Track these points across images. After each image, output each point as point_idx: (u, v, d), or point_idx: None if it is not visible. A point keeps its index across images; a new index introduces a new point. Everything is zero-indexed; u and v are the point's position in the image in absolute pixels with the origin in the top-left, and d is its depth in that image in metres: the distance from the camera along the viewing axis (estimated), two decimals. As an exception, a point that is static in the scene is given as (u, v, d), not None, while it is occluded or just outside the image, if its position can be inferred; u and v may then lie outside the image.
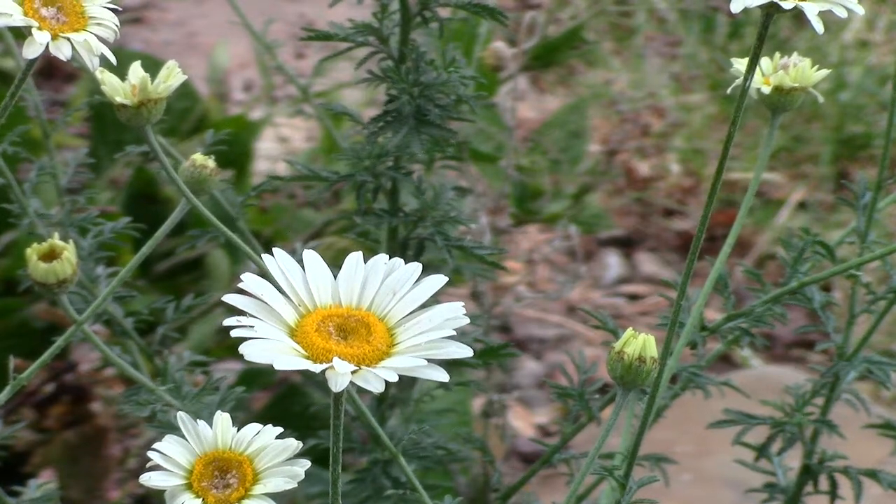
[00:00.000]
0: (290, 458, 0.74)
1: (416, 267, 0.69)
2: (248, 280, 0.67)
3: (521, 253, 2.09)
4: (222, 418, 0.75)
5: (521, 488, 1.29)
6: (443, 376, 0.63)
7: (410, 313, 0.68)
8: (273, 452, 0.74)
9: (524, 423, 1.84)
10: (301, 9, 2.66)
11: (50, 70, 2.39)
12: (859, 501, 1.15)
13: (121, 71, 0.87)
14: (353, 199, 1.21)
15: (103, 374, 1.71)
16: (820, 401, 1.19)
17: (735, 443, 1.18)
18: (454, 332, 0.65)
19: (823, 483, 1.21)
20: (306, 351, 0.66)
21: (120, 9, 0.81)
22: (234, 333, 0.65)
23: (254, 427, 0.75)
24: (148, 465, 0.74)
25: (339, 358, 0.65)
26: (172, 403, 1.07)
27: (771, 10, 0.76)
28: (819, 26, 0.74)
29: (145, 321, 1.24)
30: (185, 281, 1.75)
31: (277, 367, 0.63)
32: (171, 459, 0.74)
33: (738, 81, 0.90)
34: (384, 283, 0.69)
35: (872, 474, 1.17)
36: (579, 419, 1.17)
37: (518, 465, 1.71)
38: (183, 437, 0.76)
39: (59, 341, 0.92)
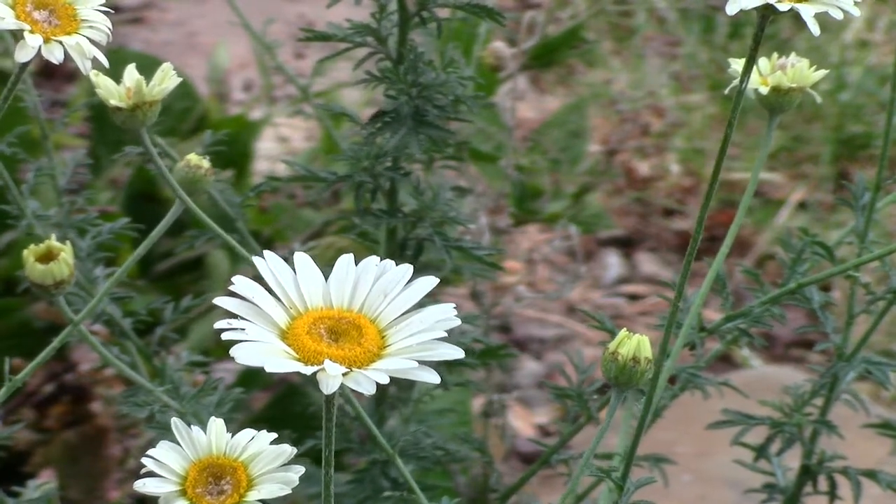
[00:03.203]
0: (284, 464, 0.74)
1: (407, 268, 0.69)
2: (239, 283, 0.67)
3: (520, 253, 2.09)
4: (216, 424, 0.75)
5: (521, 489, 1.29)
6: (434, 378, 0.63)
7: (402, 315, 0.68)
8: (268, 458, 0.74)
9: (524, 423, 1.84)
10: (301, 9, 2.66)
11: (50, 70, 2.39)
12: (858, 502, 1.15)
13: (121, 71, 0.87)
14: (352, 198, 1.21)
15: (103, 374, 1.71)
16: (819, 401, 1.19)
17: (734, 443, 1.18)
18: (445, 334, 0.65)
19: (823, 483, 1.21)
20: (297, 353, 0.66)
21: (118, 10, 0.81)
22: (225, 336, 0.65)
23: (248, 432, 0.75)
24: (142, 471, 0.74)
25: (330, 360, 0.65)
26: (170, 404, 1.07)
27: (767, 12, 0.75)
28: (815, 28, 0.74)
29: (145, 321, 1.24)
30: (186, 281, 1.75)
31: (268, 369, 0.63)
32: (164, 466, 0.74)
33: (735, 82, 0.90)
34: (375, 284, 0.69)
35: (871, 475, 1.17)
36: (578, 419, 1.17)
37: (518, 466, 1.71)
38: (177, 442, 0.75)
39: (55, 342, 0.92)
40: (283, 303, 0.68)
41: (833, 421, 1.17)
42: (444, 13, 1.18)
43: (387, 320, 0.68)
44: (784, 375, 1.70)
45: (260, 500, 0.73)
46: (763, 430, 1.18)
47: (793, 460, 1.21)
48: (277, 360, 0.64)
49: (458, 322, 0.65)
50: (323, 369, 0.64)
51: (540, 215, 2.01)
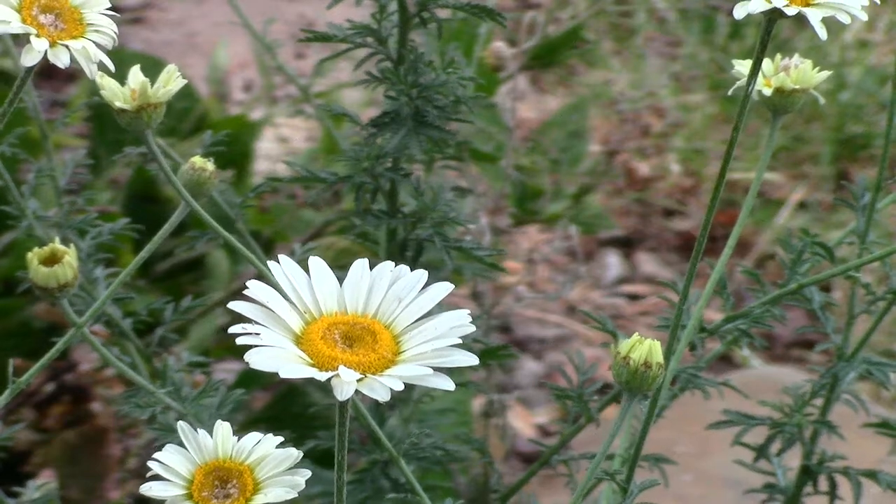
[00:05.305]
0: (290, 468, 0.74)
1: (422, 274, 0.69)
2: (254, 287, 0.67)
3: (521, 253, 2.09)
4: (223, 427, 0.75)
5: (521, 489, 1.29)
6: (449, 385, 0.63)
7: (416, 321, 0.68)
8: (274, 462, 0.74)
9: (524, 423, 1.84)
10: (301, 9, 2.65)
11: (50, 70, 2.38)
12: (859, 502, 1.16)
13: (122, 71, 0.87)
14: (353, 199, 1.21)
15: (103, 373, 1.71)
16: (819, 401, 1.19)
17: (735, 443, 1.18)
18: (460, 340, 0.65)
19: (823, 483, 1.21)
20: (312, 359, 0.65)
21: (118, 12, 0.81)
22: (239, 341, 0.64)
23: (254, 436, 0.75)
24: (148, 474, 0.74)
25: (345, 366, 0.64)
26: (172, 406, 1.07)
27: (774, 16, 0.75)
28: (822, 32, 0.74)
29: (145, 322, 1.24)
30: (186, 281, 1.75)
31: (283, 375, 0.63)
32: (171, 469, 0.74)
33: (740, 83, 0.90)
34: (390, 290, 0.69)
35: (871, 475, 1.17)
36: (578, 420, 1.17)
37: (518, 465, 1.71)
38: (183, 445, 0.75)
39: (59, 344, 0.91)
40: (297, 308, 0.68)
41: (833, 421, 1.17)
42: (444, 14, 1.18)
43: (401, 326, 0.68)
44: (784, 376, 1.70)
45: (266, 504, 0.73)
46: (763, 430, 1.18)
47: (793, 460, 1.21)
48: (292, 365, 0.64)
49: (473, 329, 0.65)
50: (337, 375, 0.64)
51: (540, 215, 2.01)
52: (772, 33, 0.77)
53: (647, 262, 2.16)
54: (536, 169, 2.05)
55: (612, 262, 2.16)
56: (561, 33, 2.00)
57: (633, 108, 2.39)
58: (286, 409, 1.57)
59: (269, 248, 1.67)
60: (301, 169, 1.22)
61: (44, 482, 1.32)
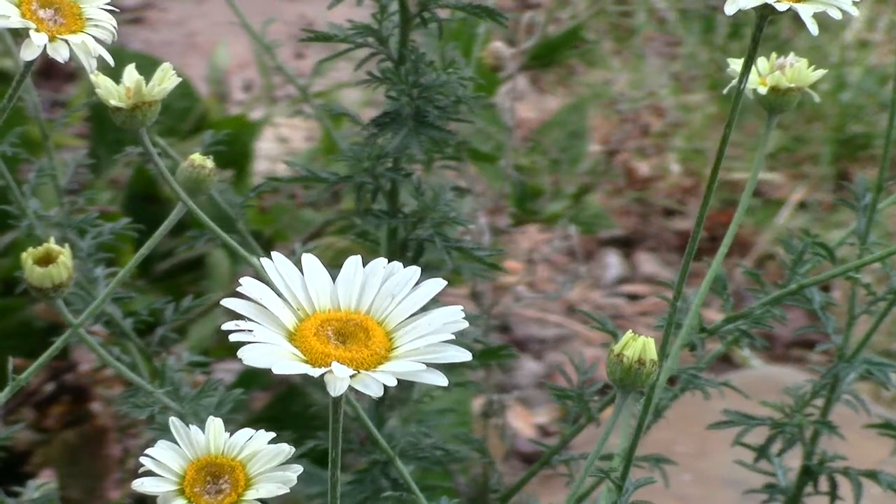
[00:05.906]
0: (283, 463, 0.74)
1: (415, 270, 0.69)
2: (247, 284, 0.67)
3: (520, 253, 2.09)
4: (214, 423, 0.75)
5: (521, 489, 1.29)
6: (442, 381, 0.63)
7: (409, 317, 0.68)
8: (266, 457, 0.74)
9: (524, 423, 1.84)
10: (301, 9, 2.66)
11: (50, 70, 2.39)
12: (859, 502, 1.15)
13: (121, 71, 0.87)
14: (353, 199, 1.21)
15: (103, 373, 1.71)
16: (820, 401, 1.19)
17: (735, 444, 1.18)
18: (453, 336, 0.65)
19: (823, 484, 1.21)
20: (305, 355, 0.66)
21: (118, 10, 0.81)
22: (232, 338, 0.64)
23: (246, 432, 0.75)
24: (140, 470, 0.74)
25: (338, 362, 0.65)
26: (170, 405, 1.07)
27: (765, 12, 0.75)
28: (814, 28, 0.74)
29: (145, 322, 1.24)
30: (186, 281, 1.75)
31: (276, 371, 0.63)
32: (163, 465, 0.74)
33: (734, 82, 0.90)
34: (383, 286, 0.69)
35: (872, 475, 1.17)
36: (578, 420, 1.17)
37: (518, 466, 1.71)
38: (176, 441, 0.75)
39: (57, 343, 0.91)
40: (290, 304, 0.68)
41: (834, 421, 1.17)
42: (444, 13, 1.18)
43: (394, 322, 0.68)
44: (785, 376, 1.70)
45: (258, 500, 0.73)
46: (763, 430, 1.18)
47: (793, 461, 1.21)
48: (285, 361, 0.64)
49: (467, 325, 0.65)
50: (330, 371, 0.64)
51: (540, 215, 2.01)
52: (764, 31, 0.77)
53: (647, 262, 2.16)
54: (536, 169, 2.05)
55: (612, 262, 2.16)
56: (561, 33, 2.00)
57: (633, 108, 2.39)
58: (286, 409, 1.57)
59: (269, 248, 1.66)
60: (301, 169, 1.22)
61: (44, 482, 1.32)
